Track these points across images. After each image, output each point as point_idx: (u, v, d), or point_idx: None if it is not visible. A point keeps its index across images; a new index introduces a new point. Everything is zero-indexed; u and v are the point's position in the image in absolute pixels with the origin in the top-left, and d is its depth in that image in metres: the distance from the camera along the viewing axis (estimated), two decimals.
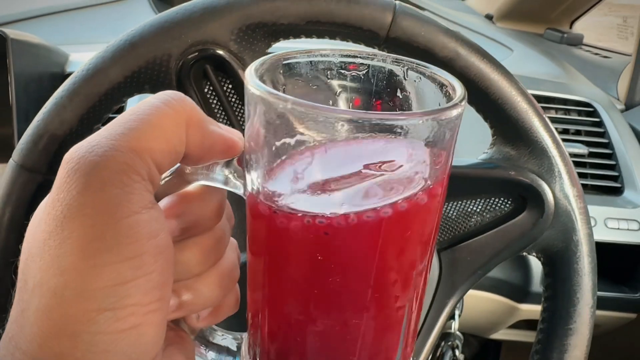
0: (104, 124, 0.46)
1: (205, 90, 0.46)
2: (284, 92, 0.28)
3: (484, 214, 0.49)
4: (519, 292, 0.77)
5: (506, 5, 1.21)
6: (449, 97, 0.27)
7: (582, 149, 0.80)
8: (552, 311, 0.48)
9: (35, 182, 0.42)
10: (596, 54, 1.13)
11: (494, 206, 0.49)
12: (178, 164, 0.26)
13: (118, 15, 1.04)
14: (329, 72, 0.30)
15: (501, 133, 0.48)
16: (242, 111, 0.47)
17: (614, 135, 0.84)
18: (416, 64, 0.29)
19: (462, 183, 0.48)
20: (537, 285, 0.75)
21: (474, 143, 0.78)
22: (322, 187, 0.24)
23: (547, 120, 0.47)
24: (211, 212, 0.28)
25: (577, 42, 1.15)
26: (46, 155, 0.42)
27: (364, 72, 0.30)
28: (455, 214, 0.49)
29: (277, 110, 0.23)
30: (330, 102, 0.30)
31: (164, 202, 0.27)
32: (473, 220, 0.49)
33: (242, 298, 0.31)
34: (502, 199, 0.49)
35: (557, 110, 0.88)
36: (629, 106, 0.96)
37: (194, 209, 0.27)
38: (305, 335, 0.26)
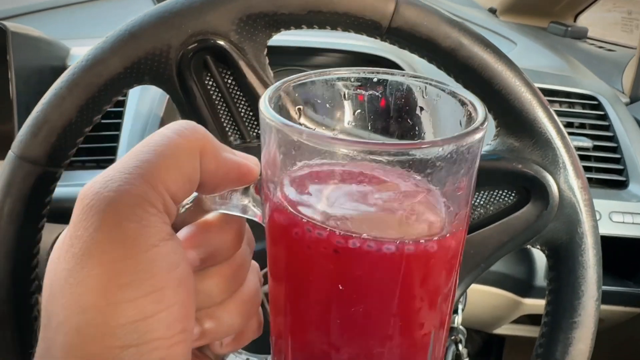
0: (103, 117, 0.46)
1: (206, 81, 0.45)
2: (299, 113, 0.28)
3: (487, 206, 0.49)
4: (523, 286, 0.76)
5: None
6: (469, 117, 0.26)
7: (587, 142, 0.80)
8: (557, 304, 0.47)
9: (35, 174, 0.42)
10: (600, 47, 1.12)
11: (497, 198, 0.48)
12: (195, 194, 0.26)
13: (120, 10, 1.03)
14: (345, 91, 0.29)
15: (505, 124, 0.47)
16: (243, 103, 0.46)
17: (619, 129, 0.83)
18: (436, 81, 0.29)
19: None
20: (541, 279, 0.74)
21: None
22: (344, 211, 0.24)
23: (552, 111, 0.46)
24: (230, 240, 0.27)
25: (581, 35, 1.14)
26: (45, 146, 0.42)
27: (381, 91, 0.29)
28: None
29: (292, 141, 0.23)
30: (347, 123, 0.30)
31: (182, 233, 0.27)
32: (476, 212, 0.49)
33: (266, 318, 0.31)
34: (505, 191, 0.48)
35: (561, 103, 0.87)
36: (633, 99, 0.96)
37: (212, 239, 0.27)
38: None
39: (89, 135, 0.45)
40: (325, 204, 0.25)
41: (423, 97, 0.29)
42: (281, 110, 0.26)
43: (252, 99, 0.45)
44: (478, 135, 0.23)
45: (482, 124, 0.23)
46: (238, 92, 0.46)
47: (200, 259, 0.26)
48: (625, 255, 0.82)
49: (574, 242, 0.46)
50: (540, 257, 0.74)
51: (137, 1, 1.06)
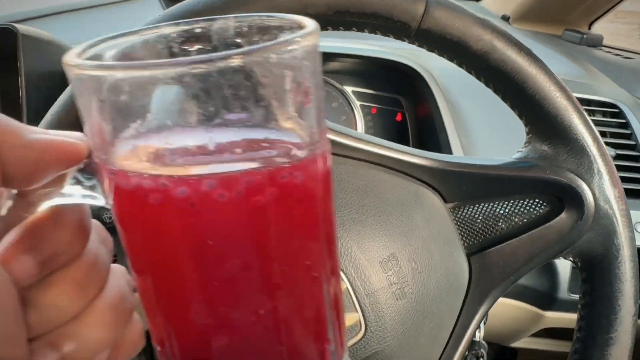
0: None
1: None
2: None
3: (516, 216, 0.47)
4: (545, 299, 0.74)
5: (523, 6, 1.19)
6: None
7: (609, 151, 0.78)
8: (591, 319, 0.45)
9: None
10: (617, 54, 1.10)
11: (528, 208, 0.46)
12: (13, 191, 0.22)
13: (129, 14, 1.02)
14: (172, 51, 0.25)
15: (537, 130, 0.45)
16: None
17: None
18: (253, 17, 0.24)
19: (496, 184, 0.46)
20: (564, 291, 0.72)
21: (501, 140, 0.76)
22: (187, 151, 0.21)
23: (587, 117, 0.44)
24: (71, 234, 0.23)
25: (597, 43, 1.13)
26: None
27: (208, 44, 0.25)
28: (482, 216, 0.47)
29: (115, 84, 0.20)
30: None
31: (8, 238, 0.22)
32: (504, 223, 0.47)
33: None
34: (536, 200, 0.46)
35: (590, 119, 0.85)
36: None
37: (48, 236, 0.22)
38: (221, 340, 0.23)
39: None
40: (169, 154, 0.21)
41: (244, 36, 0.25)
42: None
43: None
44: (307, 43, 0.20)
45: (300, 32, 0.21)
46: None
47: (38, 264, 0.22)
48: None
49: (610, 254, 0.44)
50: (563, 269, 0.72)
51: (147, 6, 1.05)
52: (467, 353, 0.70)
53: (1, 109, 0.66)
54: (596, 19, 1.19)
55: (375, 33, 0.44)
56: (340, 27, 0.43)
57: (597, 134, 0.44)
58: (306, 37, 0.20)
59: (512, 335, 0.86)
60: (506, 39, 0.43)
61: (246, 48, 0.20)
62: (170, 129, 0.21)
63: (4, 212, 0.22)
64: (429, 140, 0.82)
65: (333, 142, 0.44)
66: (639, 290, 0.45)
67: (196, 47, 0.24)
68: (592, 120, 0.83)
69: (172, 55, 0.24)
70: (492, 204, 0.47)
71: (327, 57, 0.85)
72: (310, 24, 0.21)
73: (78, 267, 0.23)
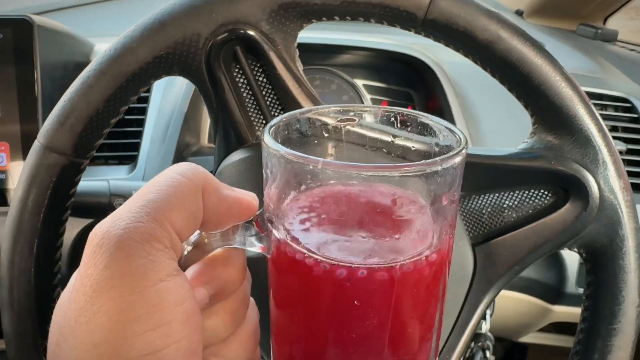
0: (127, 113, 0.45)
1: (235, 73, 0.44)
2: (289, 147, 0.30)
3: (521, 207, 0.47)
4: (553, 292, 0.74)
5: (537, 1, 1.18)
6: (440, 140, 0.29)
7: (620, 146, 0.77)
8: (595, 310, 0.45)
9: (60, 164, 0.41)
10: (632, 50, 1.09)
11: (533, 198, 0.46)
12: (199, 232, 0.27)
13: (143, 7, 1.03)
14: (324, 129, 0.31)
15: (543, 121, 0.45)
16: (271, 96, 0.45)
17: None
18: (406, 112, 0.31)
19: (501, 174, 0.46)
20: (572, 285, 0.72)
21: (509, 132, 0.76)
22: (349, 236, 0.26)
23: (593, 107, 0.44)
24: (236, 274, 0.28)
25: (611, 38, 1.11)
26: (71, 136, 0.41)
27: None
28: (487, 207, 0.47)
29: (303, 171, 0.25)
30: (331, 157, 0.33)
31: (190, 271, 0.28)
32: (509, 213, 0.47)
33: None
34: (541, 191, 0.46)
35: (595, 110, 0.84)
36: None
37: (220, 274, 0.28)
38: None
39: (112, 132, 0.44)
40: (325, 236, 0.26)
41: (395, 127, 0.31)
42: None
43: (282, 92, 0.44)
44: (458, 159, 0.26)
45: (462, 149, 0.26)
46: (267, 85, 0.45)
47: (209, 296, 0.27)
48: None
49: (615, 245, 0.44)
50: (571, 263, 0.71)
51: None
52: (472, 345, 0.70)
53: (17, 98, 0.67)
54: (611, 14, 1.17)
55: (382, 23, 0.44)
56: (347, 17, 0.44)
57: (603, 124, 0.44)
58: (467, 144, 0.27)
59: (520, 329, 0.86)
60: (512, 29, 0.43)
61: (436, 159, 0.25)
62: (335, 215, 0.27)
63: (189, 249, 0.27)
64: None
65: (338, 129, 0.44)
66: None
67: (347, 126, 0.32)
68: (604, 114, 0.83)
69: (328, 132, 0.31)
70: (497, 194, 0.47)
71: (338, 49, 0.86)
72: (458, 131, 0.28)
73: (234, 301, 0.28)
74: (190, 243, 0.27)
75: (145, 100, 0.77)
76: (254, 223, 0.28)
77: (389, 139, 0.32)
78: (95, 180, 0.65)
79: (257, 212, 0.28)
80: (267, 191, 0.27)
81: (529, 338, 0.91)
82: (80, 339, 0.22)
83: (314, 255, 0.25)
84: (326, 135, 0.31)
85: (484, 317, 0.71)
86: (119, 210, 0.24)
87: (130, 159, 0.74)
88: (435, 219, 0.26)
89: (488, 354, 0.65)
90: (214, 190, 0.26)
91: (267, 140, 0.26)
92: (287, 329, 0.28)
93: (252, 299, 0.31)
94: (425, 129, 0.30)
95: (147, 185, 0.25)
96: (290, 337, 0.28)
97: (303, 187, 0.26)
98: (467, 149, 0.26)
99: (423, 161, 0.24)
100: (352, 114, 0.32)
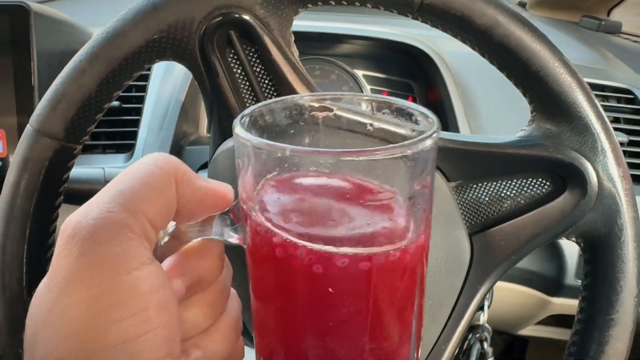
0: (124, 101, 0.45)
1: (229, 58, 0.44)
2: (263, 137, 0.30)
3: (519, 195, 0.46)
4: (552, 284, 0.73)
5: None
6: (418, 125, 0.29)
7: (622, 137, 0.76)
8: (592, 300, 0.45)
9: (52, 148, 0.41)
10: (635, 41, 1.08)
11: (530, 187, 0.46)
12: (174, 223, 0.27)
13: None
14: (301, 117, 0.31)
15: (541, 108, 0.44)
16: (266, 81, 0.44)
17: None
18: (382, 99, 0.31)
19: (498, 162, 0.45)
20: (571, 277, 0.71)
21: (510, 123, 0.75)
22: (323, 223, 0.26)
23: (592, 95, 0.44)
24: (213, 265, 0.28)
25: (615, 30, 1.10)
26: (64, 120, 0.41)
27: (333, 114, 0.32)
28: (484, 196, 0.47)
29: (274, 158, 0.25)
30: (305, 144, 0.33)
31: (166, 263, 0.27)
32: (507, 202, 0.46)
33: None
34: (539, 179, 0.46)
35: (595, 97, 0.84)
36: None
37: (196, 265, 0.28)
38: None
39: (110, 120, 0.44)
40: (297, 224, 0.26)
41: (372, 114, 0.31)
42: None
43: (276, 77, 0.44)
44: (430, 142, 0.25)
45: (433, 133, 0.26)
46: (262, 70, 0.44)
47: (186, 287, 0.27)
48: None
49: (613, 234, 0.44)
50: (571, 254, 0.71)
51: None
52: (470, 336, 0.69)
53: (14, 86, 0.67)
54: (615, 6, 1.16)
55: (378, 7, 0.44)
56: (343, 2, 0.43)
57: (602, 112, 0.44)
58: (439, 128, 0.26)
59: (518, 322, 0.85)
60: (510, 14, 0.42)
61: (407, 142, 0.25)
62: (308, 202, 0.27)
63: (165, 239, 0.27)
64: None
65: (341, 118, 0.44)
66: None
67: (324, 114, 0.31)
68: (606, 106, 0.82)
69: (305, 120, 0.31)
70: (494, 182, 0.46)
71: (338, 39, 0.85)
72: (432, 116, 0.27)
73: (213, 292, 0.28)
74: (166, 234, 0.27)
75: (143, 88, 0.76)
76: (230, 214, 0.28)
77: (367, 125, 0.32)
78: (91, 167, 0.65)
79: (233, 203, 0.28)
80: (241, 181, 0.27)
81: (528, 331, 0.90)
82: (56, 330, 0.22)
83: (287, 244, 0.25)
84: (303, 124, 0.31)
85: (481, 308, 0.71)
86: (91, 201, 0.24)
87: (127, 148, 0.74)
88: (409, 203, 0.26)
89: (485, 345, 0.65)
90: (188, 180, 0.26)
91: (238, 130, 0.26)
92: (267, 319, 0.28)
93: (233, 290, 0.31)
94: (401, 114, 0.30)
95: (120, 175, 0.25)
96: (269, 327, 0.28)
97: (274, 174, 0.26)
98: (438, 132, 0.26)
99: (392, 145, 0.24)
100: (329, 102, 0.31)
